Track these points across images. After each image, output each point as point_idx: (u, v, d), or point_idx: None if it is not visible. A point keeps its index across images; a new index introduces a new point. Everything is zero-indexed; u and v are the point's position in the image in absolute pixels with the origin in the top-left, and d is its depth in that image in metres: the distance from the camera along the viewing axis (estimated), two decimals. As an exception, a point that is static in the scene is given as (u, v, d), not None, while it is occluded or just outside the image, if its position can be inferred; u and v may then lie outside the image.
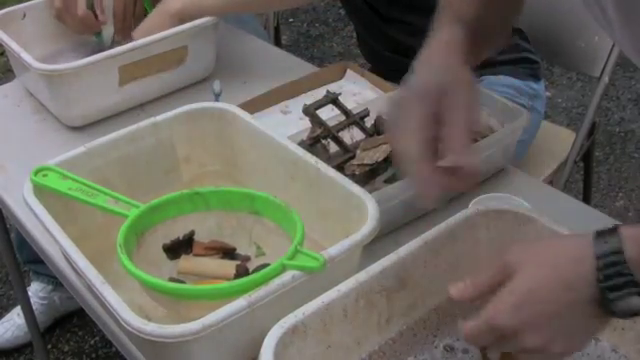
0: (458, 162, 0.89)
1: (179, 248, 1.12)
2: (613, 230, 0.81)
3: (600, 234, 0.81)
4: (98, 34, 1.75)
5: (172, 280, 1.06)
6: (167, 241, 1.12)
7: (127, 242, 1.03)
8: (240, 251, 1.13)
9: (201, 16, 1.61)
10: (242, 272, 1.05)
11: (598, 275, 0.80)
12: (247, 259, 1.12)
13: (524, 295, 0.82)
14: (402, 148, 0.92)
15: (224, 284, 0.98)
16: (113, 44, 1.74)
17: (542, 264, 0.83)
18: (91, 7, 1.68)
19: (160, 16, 1.65)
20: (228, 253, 1.12)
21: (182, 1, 1.63)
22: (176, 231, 1.12)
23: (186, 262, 1.10)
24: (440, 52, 0.99)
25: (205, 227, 1.14)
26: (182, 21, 1.62)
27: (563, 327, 0.83)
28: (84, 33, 1.74)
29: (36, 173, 1.14)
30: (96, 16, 1.70)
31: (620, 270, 0.79)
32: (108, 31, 1.76)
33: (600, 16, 0.91)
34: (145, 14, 1.71)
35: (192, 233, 1.12)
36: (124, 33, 1.72)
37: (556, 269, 0.82)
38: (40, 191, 1.12)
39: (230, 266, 1.07)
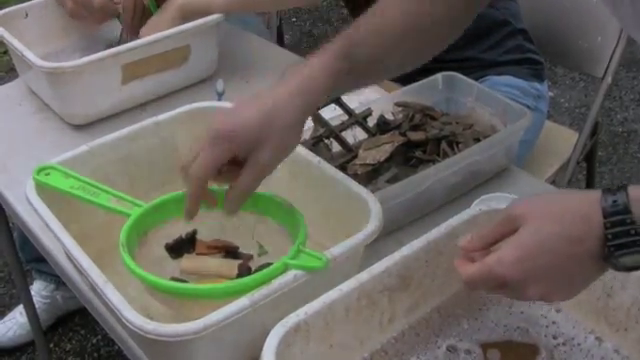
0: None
1: (182, 247, 1.11)
2: (621, 188, 0.82)
3: (607, 192, 0.82)
4: (119, 16, 1.75)
5: (174, 279, 1.06)
6: (169, 240, 1.11)
7: (129, 241, 1.03)
8: (243, 250, 1.13)
9: (207, 12, 1.61)
10: (244, 271, 1.05)
11: (606, 233, 0.81)
12: (250, 258, 1.11)
13: (529, 248, 0.84)
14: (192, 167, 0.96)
15: (226, 283, 0.98)
16: (120, 42, 1.74)
17: (548, 219, 0.84)
18: None
19: (167, 12, 1.66)
20: (231, 252, 1.12)
21: None
22: (178, 230, 1.12)
23: (189, 261, 1.10)
24: (289, 89, 0.98)
25: (208, 226, 1.13)
26: (188, 16, 1.62)
27: (565, 279, 0.85)
28: (104, 22, 1.75)
29: (39, 172, 1.14)
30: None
31: (628, 229, 0.80)
32: (115, 29, 1.77)
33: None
34: (150, 14, 1.71)
35: (194, 232, 1.12)
36: (132, 31, 1.72)
37: (562, 224, 0.83)
38: (42, 190, 1.12)
39: (233, 265, 1.07)
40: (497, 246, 0.89)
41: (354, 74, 1.03)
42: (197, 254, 1.11)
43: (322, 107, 1.35)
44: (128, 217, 1.07)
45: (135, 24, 1.71)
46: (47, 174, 1.14)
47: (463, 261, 0.91)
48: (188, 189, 0.98)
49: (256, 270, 1.05)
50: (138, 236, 1.08)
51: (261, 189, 1.10)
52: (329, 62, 1.00)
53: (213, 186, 1.09)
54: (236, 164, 0.97)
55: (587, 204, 0.83)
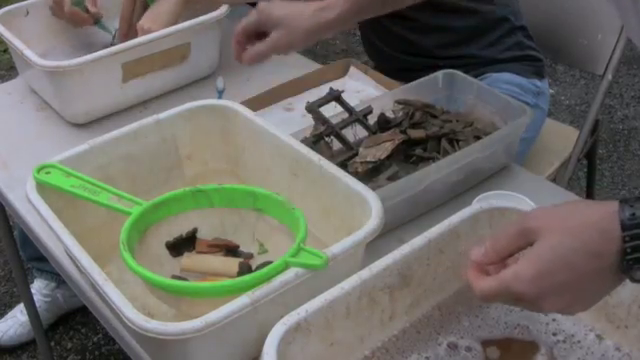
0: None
1: (182, 245, 1.12)
2: (638, 200, 0.81)
3: (625, 204, 0.81)
4: (98, 23, 1.74)
5: (175, 278, 1.06)
6: (170, 238, 1.11)
7: (130, 240, 1.03)
8: (243, 248, 1.13)
9: (208, 1, 1.61)
10: (245, 269, 1.05)
11: (625, 247, 0.80)
12: (250, 257, 1.12)
13: (547, 264, 0.83)
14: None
15: (227, 281, 0.98)
16: (114, 41, 1.74)
17: (567, 233, 0.83)
18: (82, 2, 1.68)
19: (167, 1, 1.65)
20: (231, 250, 1.12)
21: None
22: (179, 228, 1.12)
23: (189, 259, 1.10)
24: (315, 6, 1.30)
25: (208, 224, 1.14)
26: (190, 4, 1.62)
27: (583, 293, 0.84)
28: (78, 27, 1.74)
29: (39, 170, 1.14)
30: (87, 10, 1.70)
31: None
32: (112, 25, 1.76)
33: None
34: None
35: (195, 230, 1.12)
36: (128, 37, 1.71)
37: (581, 239, 0.82)
38: (43, 189, 1.12)
39: (233, 263, 1.07)
40: (511, 259, 0.88)
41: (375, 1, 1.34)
42: (197, 252, 1.11)
43: (322, 105, 1.36)
44: (128, 215, 1.07)
45: (132, 31, 1.71)
46: (47, 173, 1.14)
47: (476, 274, 0.90)
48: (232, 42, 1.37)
49: (257, 268, 1.05)
50: (139, 234, 1.08)
51: (262, 187, 1.10)
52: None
53: (209, 185, 1.11)
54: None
55: (605, 217, 0.82)
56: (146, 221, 1.10)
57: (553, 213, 0.86)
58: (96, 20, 1.73)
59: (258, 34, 1.32)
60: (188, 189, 1.13)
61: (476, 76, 1.60)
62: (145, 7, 1.70)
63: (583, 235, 0.82)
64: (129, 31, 1.71)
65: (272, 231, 1.12)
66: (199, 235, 1.13)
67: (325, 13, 1.28)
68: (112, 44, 1.73)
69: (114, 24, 1.76)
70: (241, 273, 1.05)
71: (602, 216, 0.82)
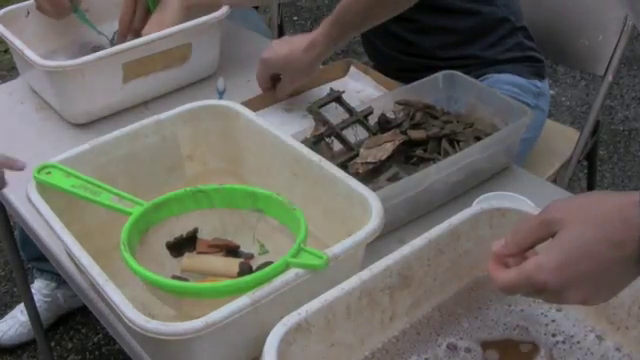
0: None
1: (182, 246, 1.12)
2: None
3: None
4: (76, 11, 1.72)
5: (175, 278, 1.06)
6: (170, 239, 1.11)
7: (130, 240, 1.03)
8: (243, 249, 1.13)
9: (211, 4, 1.61)
10: (245, 270, 1.05)
11: None
12: (250, 257, 1.12)
13: (571, 253, 0.83)
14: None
15: (227, 282, 0.98)
16: (113, 42, 1.74)
17: (589, 223, 0.83)
18: None
19: (170, 7, 1.65)
20: (232, 251, 1.12)
21: None
22: (179, 229, 1.12)
23: (189, 260, 1.10)
24: (301, 47, 1.51)
25: (208, 225, 1.14)
26: (192, 9, 1.62)
27: (605, 283, 0.84)
28: (60, 17, 1.71)
29: (39, 171, 1.14)
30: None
31: None
32: (111, 28, 1.76)
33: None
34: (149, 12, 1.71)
35: (195, 231, 1.12)
36: (132, 31, 1.71)
37: (604, 229, 0.82)
38: (43, 189, 1.12)
39: (234, 264, 1.07)
40: (530, 252, 0.89)
41: (346, 32, 1.51)
42: (198, 253, 1.11)
43: (323, 105, 1.36)
44: (129, 216, 1.07)
45: (136, 23, 1.71)
46: (48, 173, 1.14)
47: (496, 266, 0.90)
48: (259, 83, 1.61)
49: (257, 269, 1.05)
50: (139, 235, 1.08)
51: (262, 187, 1.10)
52: (325, 30, 1.49)
53: (210, 185, 1.11)
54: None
55: (627, 206, 0.82)
56: (147, 221, 1.10)
57: (574, 204, 0.87)
58: (75, 8, 1.71)
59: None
60: (189, 189, 1.13)
61: (477, 77, 1.60)
62: (146, 11, 1.70)
63: (605, 224, 0.82)
64: (128, 33, 1.71)
65: (272, 231, 1.12)
66: (200, 235, 1.13)
67: (310, 52, 1.50)
68: (112, 45, 1.73)
69: (112, 26, 1.76)
70: (242, 273, 1.05)
71: (624, 205, 0.82)
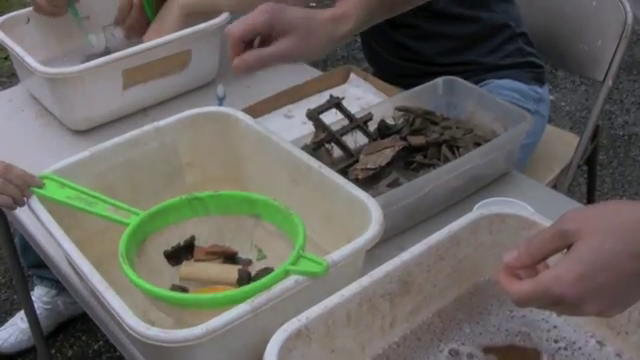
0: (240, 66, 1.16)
1: (180, 254, 1.11)
2: None
3: None
4: (71, 6, 1.72)
5: (174, 287, 1.06)
6: (168, 247, 1.11)
7: (128, 251, 1.03)
8: (241, 255, 1.13)
9: (212, 11, 1.62)
10: (244, 276, 1.05)
11: None
12: (249, 263, 1.11)
13: (590, 265, 0.81)
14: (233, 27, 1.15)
15: (228, 292, 0.97)
16: (108, 46, 1.74)
17: (607, 233, 0.81)
18: None
19: (170, 15, 1.65)
20: (229, 257, 1.12)
21: None
22: (177, 237, 1.12)
23: (188, 268, 1.10)
24: (330, 16, 1.19)
25: (206, 232, 1.13)
26: (192, 16, 1.62)
27: (622, 294, 0.82)
28: (56, 15, 1.71)
29: None
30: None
31: None
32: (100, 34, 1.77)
33: None
34: (145, 15, 1.72)
35: (192, 238, 1.12)
36: (126, 32, 1.72)
37: (622, 239, 0.81)
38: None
39: (232, 270, 1.07)
40: (541, 265, 0.87)
41: (383, 7, 1.26)
42: (196, 260, 1.11)
43: (323, 112, 1.36)
44: (126, 226, 1.07)
45: (130, 24, 1.71)
46: (42, 184, 1.13)
47: (509, 278, 0.87)
48: (228, 45, 1.15)
49: (256, 275, 1.05)
50: (137, 245, 1.08)
51: (262, 194, 1.10)
52: (360, 2, 1.21)
53: (205, 192, 1.12)
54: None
55: None
56: (144, 231, 1.09)
57: (591, 214, 0.85)
58: (70, 2, 1.72)
59: (261, 40, 1.17)
60: (184, 197, 1.12)
61: (477, 82, 1.60)
62: (143, 14, 1.71)
63: (624, 235, 0.81)
64: (126, 20, 1.72)
65: (270, 237, 1.12)
66: (197, 243, 1.13)
67: (341, 25, 1.19)
68: (106, 49, 1.73)
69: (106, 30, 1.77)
70: (241, 280, 1.05)
71: None
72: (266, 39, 1.15)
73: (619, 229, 0.81)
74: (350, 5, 1.20)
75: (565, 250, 0.84)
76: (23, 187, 1.11)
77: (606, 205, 0.86)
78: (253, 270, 1.08)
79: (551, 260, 0.86)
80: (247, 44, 1.17)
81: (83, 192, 1.13)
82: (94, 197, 1.12)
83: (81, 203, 1.11)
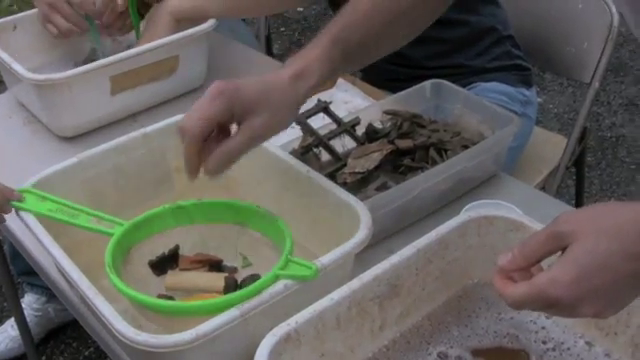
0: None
1: (165, 264, 1.10)
2: None
3: None
4: (90, 21, 1.70)
5: (161, 297, 1.05)
6: (153, 257, 1.10)
7: (115, 260, 1.03)
8: (226, 263, 1.12)
9: (201, 18, 1.62)
10: (231, 284, 1.04)
11: None
12: (234, 271, 1.10)
13: (585, 267, 0.80)
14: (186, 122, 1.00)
15: (218, 299, 0.97)
16: (98, 51, 1.74)
17: (602, 234, 0.81)
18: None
19: (159, 23, 1.65)
20: (214, 265, 1.11)
21: (178, 2, 1.65)
22: (162, 246, 1.11)
23: (173, 277, 1.08)
24: (289, 74, 1.06)
25: (190, 240, 1.13)
26: (182, 23, 1.62)
27: (618, 296, 0.82)
28: (74, 30, 1.69)
29: None
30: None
31: None
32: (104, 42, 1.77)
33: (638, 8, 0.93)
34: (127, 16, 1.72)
35: (177, 248, 1.11)
36: (110, 29, 1.72)
37: (619, 241, 0.80)
38: (32, 203, 1.12)
39: (218, 278, 1.06)
40: (534, 267, 0.87)
41: (347, 59, 1.11)
42: (181, 270, 1.10)
43: (310, 116, 1.36)
44: (110, 236, 1.07)
45: (108, 23, 1.71)
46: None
47: (503, 281, 0.87)
48: (186, 143, 0.99)
49: (242, 282, 1.05)
50: (122, 255, 1.07)
51: (249, 199, 1.09)
52: (324, 50, 1.08)
53: (190, 201, 1.11)
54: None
55: None
56: (128, 241, 1.09)
57: (585, 215, 0.85)
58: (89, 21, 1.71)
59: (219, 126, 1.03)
60: (167, 206, 1.12)
61: (464, 86, 1.61)
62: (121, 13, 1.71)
63: (619, 236, 0.80)
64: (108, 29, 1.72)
65: (255, 244, 1.11)
66: (181, 252, 1.12)
67: (303, 82, 1.06)
68: (95, 53, 1.73)
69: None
70: (227, 288, 1.04)
71: (637, 216, 0.81)
72: (225, 124, 1.03)
73: (613, 230, 0.81)
74: (311, 58, 1.07)
75: (560, 252, 0.84)
76: (2, 202, 1.10)
77: (600, 206, 0.86)
78: (239, 278, 1.07)
79: (544, 262, 0.87)
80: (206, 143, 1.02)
81: (65, 204, 1.11)
82: (76, 209, 1.11)
83: (63, 215, 1.10)
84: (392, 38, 1.18)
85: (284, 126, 1.06)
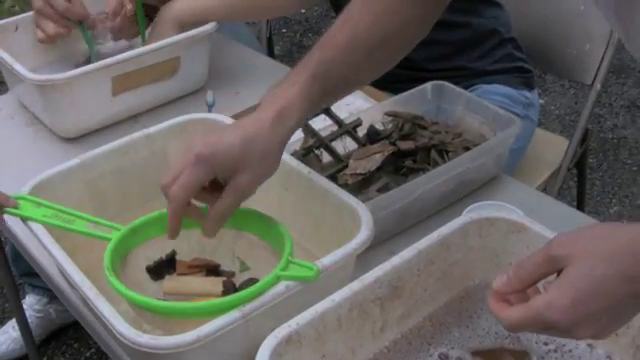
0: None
1: (162, 269, 1.10)
2: None
3: None
4: (80, 24, 1.69)
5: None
6: (149, 262, 1.10)
7: (113, 264, 1.02)
8: (224, 267, 1.12)
9: (205, 21, 1.62)
10: (230, 288, 1.04)
11: None
12: (232, 275, 1.10)
13: (582, 291, 0.80)
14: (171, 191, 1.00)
15: (219, 300, 0.97)
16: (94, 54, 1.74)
17: (597, 258, 0.81)
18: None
19: (164, 26, 1.66)
20: (212, 270, 1.10)
21: (181, 7, 1.65)
22: (158, 251, 1.11)
23: (171, 282, 1.07)
24: (269, 116, 1.03)
25: (186, 245, 1.12)
26: (186, 26, 1.63)
27: (615, 318, 0.82)
28: (64, 32, 1.68)
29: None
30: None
31: None
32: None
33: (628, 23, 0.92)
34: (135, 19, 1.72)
35: (174, 253, 1.11)
36: (120, 33, 1.73)
37: (614, 264, 0.80)
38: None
39: (216, 283, 1.05)
40: (531, 289, 0.87)
41: (327, 94, 1.09)
42: (178, 274, 1.10)
43: (312, 117, 1.36)
44: (108, 241, 1.06)
45: (119, 26, 1.71)
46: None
47: (500, 304, 0.87)
48: (170, 209, 1.01)
49: (240, 286, 1.04)
50: (120, 259, 1.07)
51: (250, 201, 1.09)
52: (304, 87, 1.05)
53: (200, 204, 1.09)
54: (217, 185, 1.03)
55: (636, 241, 0.80)
56: (126, 246, 1.08)
57: (581, 238, 0.84)
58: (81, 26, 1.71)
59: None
60: (164, 211, 1.11)
61: (466, 88, 1.61)
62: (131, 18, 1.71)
63: (615, 260, 0.80)
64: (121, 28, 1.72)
65: (252, 248, 1.11)
66: (178, 257, 1.11)
67: (286, 120, 1.03)
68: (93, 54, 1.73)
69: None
70: (226, 292, 1.03)
71: (633, 238, 0.80)
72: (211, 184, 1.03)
73: (609, 254, 0.81)
74: (291, 97, 1.04)
75: (555, 275, 0.84)
76: None
77: (594, 228, 0.86)
78: (237, 282, 1.07)
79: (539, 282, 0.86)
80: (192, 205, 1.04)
81: (60, 210, 1.10)
82: (71, 215, 1.10)
83: (59, 221, 1.09)
84: (372, 68, 1.15)
85: (270, 174, 1.04)
